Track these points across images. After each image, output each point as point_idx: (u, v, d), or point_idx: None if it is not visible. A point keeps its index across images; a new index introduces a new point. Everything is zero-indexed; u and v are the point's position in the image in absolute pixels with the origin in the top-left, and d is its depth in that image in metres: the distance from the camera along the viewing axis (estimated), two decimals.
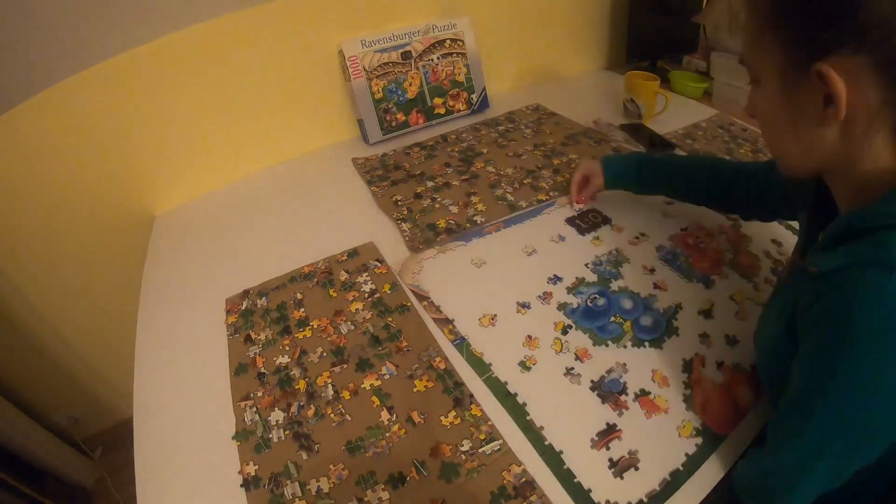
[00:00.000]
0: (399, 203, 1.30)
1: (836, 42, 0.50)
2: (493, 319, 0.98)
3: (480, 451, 0.77)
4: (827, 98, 0.52)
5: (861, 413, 0.55)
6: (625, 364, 0.89)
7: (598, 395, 0.84)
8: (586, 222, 1.20)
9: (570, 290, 1.03)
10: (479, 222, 1.22)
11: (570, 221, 1.21)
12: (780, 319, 0.66)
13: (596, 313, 0.98)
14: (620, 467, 0.75)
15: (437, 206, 1.29)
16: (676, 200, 1.20)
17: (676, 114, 1.62)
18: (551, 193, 1.32)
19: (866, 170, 0.56)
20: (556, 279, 1.05)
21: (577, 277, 1.06)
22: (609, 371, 0.88)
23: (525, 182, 1.36)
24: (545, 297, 1.02)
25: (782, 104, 0.58)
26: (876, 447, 0.56)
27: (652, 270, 1.07)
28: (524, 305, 1.00)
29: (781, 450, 0.64)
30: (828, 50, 0.50)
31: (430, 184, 1.37)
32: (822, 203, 0.69)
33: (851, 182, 0.59)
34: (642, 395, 0.84)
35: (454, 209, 1.27)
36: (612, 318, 0.97)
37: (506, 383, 0.86)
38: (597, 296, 1.02)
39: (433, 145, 1.57)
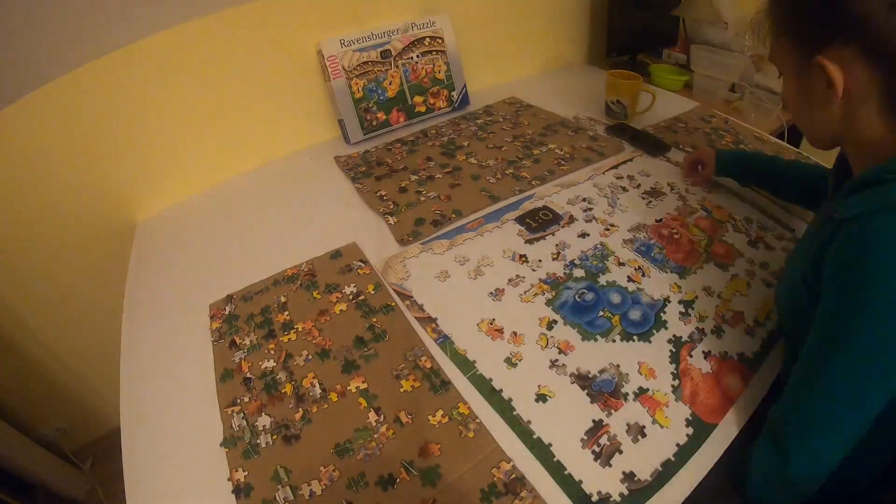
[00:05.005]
0: (384, 198, 1.31)
1: (829, 38, 0.63)
2: (477, 316, 0.98)
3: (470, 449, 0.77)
4: (828, 82, 0.64)
5: (881, 349, 0.60)
6: (618, 365, 0.88)
7: (589, 395, 0.84)
8: (536, 220, 1.21)
9: (557, 285, 1.03)
10: (464, 213, 1.23)
11: (520, 220, 1.21)
12: (804, 260, 0.73)
13: (584, 308, 0.99)
14: (606, 454, 0.76)
15: (422, 199, 1.30)
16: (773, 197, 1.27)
17: (657, 107, 1.63)
18: (533, 182, 1.34)
19: (869, 138, 0.67)
20: (541, 275, 1.06)
21: (564, 272, 1.06)
22: (602, 371, 0.88)
23: (507, 172, 1.38)
24: (530, 292, 1.02)
25: (799, 90, 0.72)
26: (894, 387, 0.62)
27: (638, 267, 1.08)
28: (508, 301, 1.01)
29: (801, 393, 0.68)
30: (824, 45, 0.63)
31: (413, 178, 1.39)
32: (844, 172, 0.80)
33: (862, 150, 0.71)
34: (641, 392, 0.84)
35: (439, 201, 1.28)
36: (601, 313, 0.98)
37: (490, 380, 0.87)
38: (585, 291, 1.02)
39: (414, 140, 1.58)
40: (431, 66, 1.63)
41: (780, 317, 0.90)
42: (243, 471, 0.76)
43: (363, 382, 0.87)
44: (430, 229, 1.19)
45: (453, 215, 1.23)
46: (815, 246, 0.70)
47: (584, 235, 1.15)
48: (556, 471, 0.74)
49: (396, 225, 1.21)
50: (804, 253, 0.74)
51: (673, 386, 0.85)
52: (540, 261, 1.09)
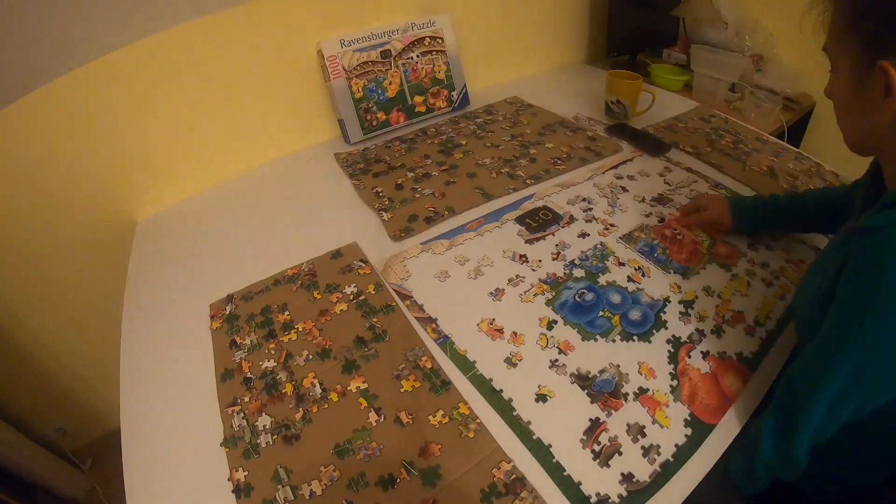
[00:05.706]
0: (380, 194, 1.32)
1: None
2: (477, 316, 0.98)
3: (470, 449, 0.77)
4: (886, 88, 0.61)
5: (880, 362, 0.61)
6: (618, 365, 0.88)
7: (589, 395, 0.84)
8: (536, 220, 1.21)
9: (557, 285, 1.03)
10: (457, 210, 1.24)
11: (520, 220, 1.21)
12: (825, 275, 0.71)
13: (584, 308, 0.99)
14: (605, 455, 0.76)
15: (416, 195, 1.30)
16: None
17: (657, 107, 1.63)
18: (528, 181, 1.34)
19: None
20: (541, 275, 1.06)
21: (564, 272, 1.06)
22: (602, 371, 0.87)
23: (503, 171, 1.39)
24: (530, 292, 1.02)
25: (853, 89, 0.67)
26: (889, 394, 0.63)
27: (638, 267, 1.07)
28: (508, 301, 1.01)
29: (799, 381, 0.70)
30: (891, 49, 0.60)
31: (410, 175, 1.39)
32: (875, 187, 0.78)
33: None
34: (641, 392, 0.84)
35: (433, 198, 1.29)
36: (601, 313, 0.98)
37: (491, 380, 0.86)
38: (585, 291, 1.02)
39: (413, 138, 1.59)
40: (431, 66, 1.63)
41: (799, 329, 0.87)
42: (243, 471, 0.76)
43: (363, 382, 0.87)
44: (423, 226, 1.20)
45: (446, 212, 1.23)
46: (837, 259, 0.69)
47: (584, 235, 1.15)
48: (556, 472, 0.74)
49: (390, 221, 1.22)
50: (824, 267, 0.73)
51: (672, 386, 0.85)
52: (540, 261, 1.09)
